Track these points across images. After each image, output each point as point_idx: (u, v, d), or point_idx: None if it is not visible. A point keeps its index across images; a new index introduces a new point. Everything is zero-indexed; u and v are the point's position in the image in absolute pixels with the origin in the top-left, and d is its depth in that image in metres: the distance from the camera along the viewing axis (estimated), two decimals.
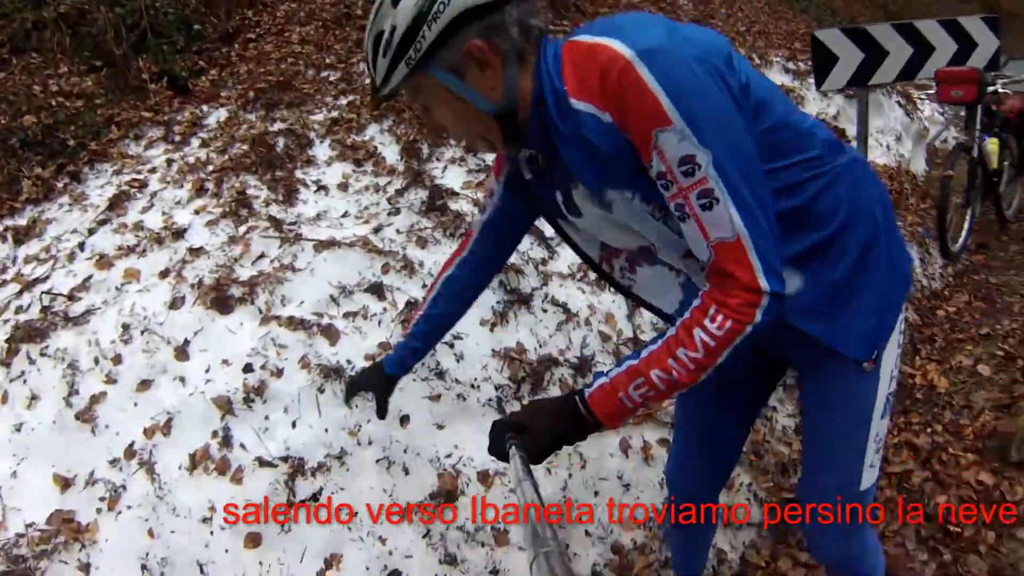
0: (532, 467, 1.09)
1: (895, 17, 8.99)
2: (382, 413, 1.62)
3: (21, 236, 3.17)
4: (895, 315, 1.26)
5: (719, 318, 1.04)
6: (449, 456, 2.29)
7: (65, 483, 2.18)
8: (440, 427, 2.35)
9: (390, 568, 2.06)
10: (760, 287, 1.01)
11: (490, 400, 2.44)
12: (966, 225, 4.55)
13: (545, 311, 2.78)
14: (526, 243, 3.12)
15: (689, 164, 0.99)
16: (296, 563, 2.02)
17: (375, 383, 1.60)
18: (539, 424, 1.17)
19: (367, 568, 2.04)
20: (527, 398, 2.45)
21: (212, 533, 2.05)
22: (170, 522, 2.06)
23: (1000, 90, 4.72)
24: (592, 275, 3.00)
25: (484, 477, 2.26)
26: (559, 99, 1.07)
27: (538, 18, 1.09)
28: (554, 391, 2.50)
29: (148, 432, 2.24)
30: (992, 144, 4.56)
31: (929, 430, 2.68)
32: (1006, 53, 4.81)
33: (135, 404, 2.32)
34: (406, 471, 2.22)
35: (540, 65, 1.08)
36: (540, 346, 2.64)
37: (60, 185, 3.41)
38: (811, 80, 4.96)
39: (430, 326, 1.55)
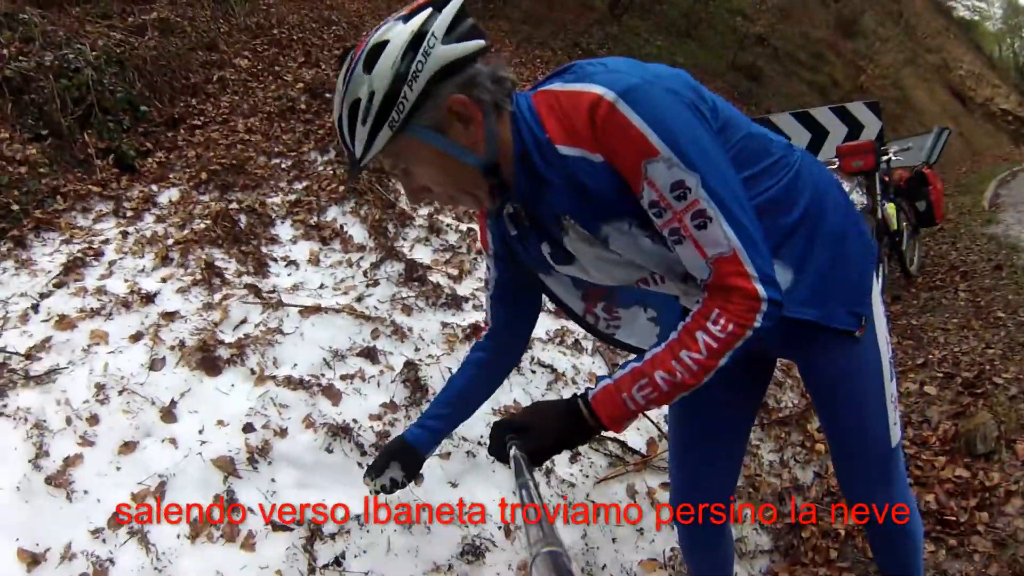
0: (533, 467, 1.08)
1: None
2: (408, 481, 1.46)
3: None
4: (869, 282, 1.32)
5: (721, 321, 1.06)
6: (467, 511, 2.16)
7: (33, 559, 1.86)
8: (454, 485, 2.23)
9: None
10: (760, 295, 1.04)
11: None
12: (879, 281, 4.95)
13: (534, 372, 2.76)
14: None
15: (680, 189, 1.02)
16: None
17: (407, 461, 1.43)
18: (541, 425, 1.15)
19: None
20: None
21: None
22: None
23: (893, 157, 5.30)
24: (569, 339, 3.04)
25: (508, 532, 2.14)
26: (542, 147, 1.08)
27: (505, 71, 1.10)
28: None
29: (137, 497, 1.98)
30: (891, 208, 5.09)
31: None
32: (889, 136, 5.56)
33: (118, 468, 2.06)
34: (428, 529, 2.07)
35: (516, 116, 1.09)
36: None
37: (3, 249, 3.11)
38: None
39: (452, 407, 1.45)
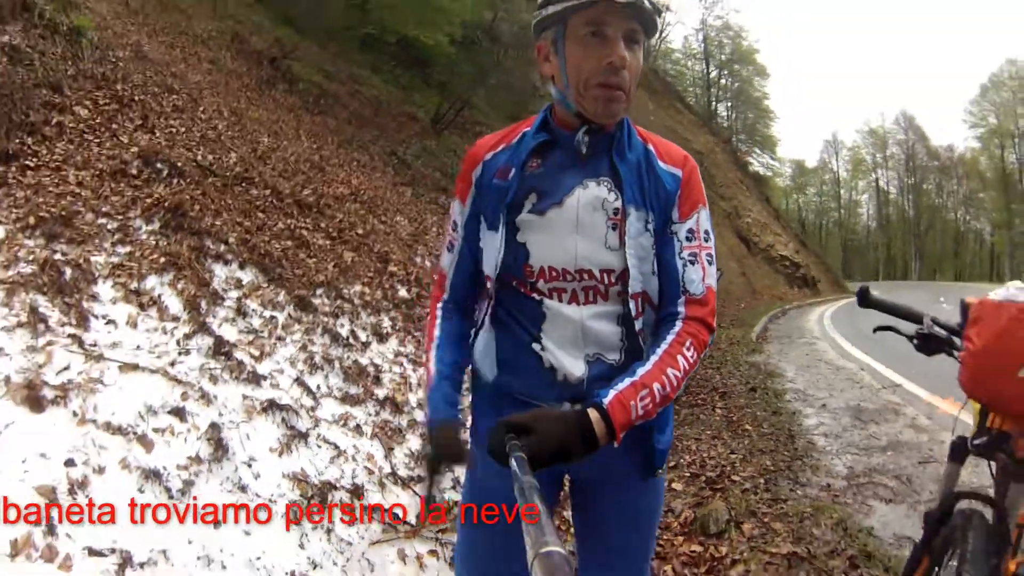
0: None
1: None
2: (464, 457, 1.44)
3: None
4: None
5: (693, 349, 1.33)
6: (259, 559, 2.61)
7: None
8: (248, 534, 2.68)
9: None
10: (714, 326, 1.38)
11: (282, 515, 2.85)
12: None
13: (320, 447, 3.31)
14: (296, 391, 3.67)
15: (707, 233, 1.43)
16: None
17: (456, 441, 1.40)
18: (544, 429, 1.17)
19: None
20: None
21: None
22: None
23: None
24: (352, 423, 3.63)
25: None
26: (631, 136, 1.44)
27: None
28: (336, 512, 2.99)
29: None
30: None
31: None
32: None
33: None
34: (224, 567, 2.51)
35: None
36: (319, 473, 3.15)
37: None
38: None
39: (452, 371, 1.49)
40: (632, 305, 1.37)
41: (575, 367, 1.38)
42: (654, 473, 1.49)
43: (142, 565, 2.32)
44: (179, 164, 5.43)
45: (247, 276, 4.59)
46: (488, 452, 1.17)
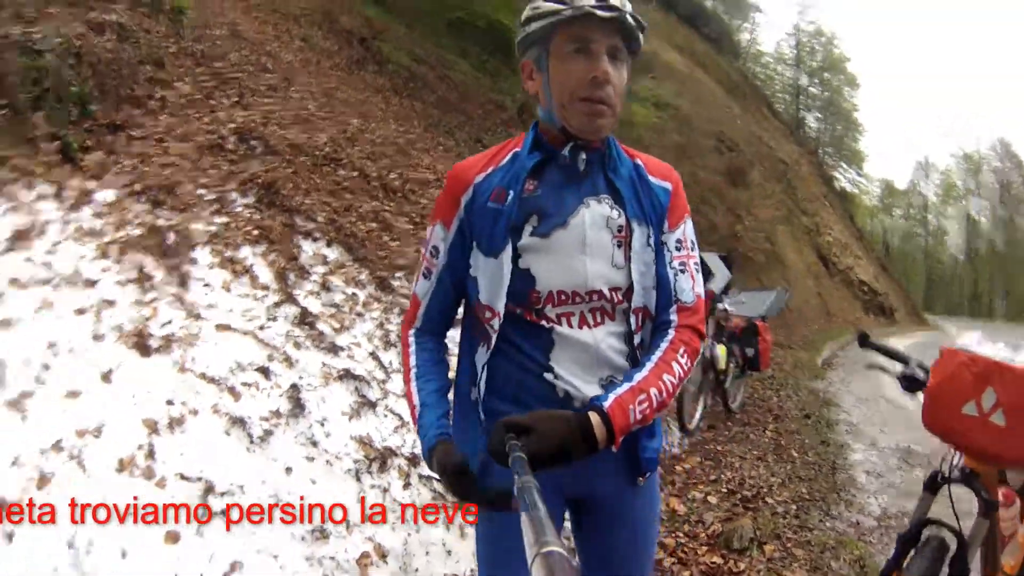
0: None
1: None
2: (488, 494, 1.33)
3: None
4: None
5: (687, 356, 1.42)
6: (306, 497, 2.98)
7: None
8: (314, 482, 3.06)
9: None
10: (704, 333, 1.50)
11: (348, 470, 3.21)
12: (699, 409, 6.15)
13: (386, 416, 3.67)
14: (370, 364, 4.04)
15: (693, 243, 1.53)
16: (207, 566, 2.52)
17: (456, 456, 1.36)
18: (545, 429, 1.21)
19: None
20: (376, 474, 3.26)
21: (135, 526, 2.50)
22: (98, 512, 2.47)
23: (728, 308, 6.59)
24: None
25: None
26: (619, 151, 1.52)
27: None
28: (393, 473, 3.34)
29: (79, 433, 2.68)
30: (721, 350, 6.34)
31: (673, 534, 3.87)
32: (738, 284, 6.92)
33: (64, 410, 2.74)
34: (289, 507, 2.89)
35: None
36: (383, 439, 3.50)
37: None
38: None
39: (436, 398, 1.49)
40: (633, 320, 1.45)
41: (591, 391, 1.39)
42: (637, 480, 1.53)
43: (221, 494, 2.74)
44: (272, 142, 5.95)
45: (333, 254, 5.02)
46: (487, 452, 1.21)
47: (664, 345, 1.41)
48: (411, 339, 1.58)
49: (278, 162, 5.78)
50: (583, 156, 1.46)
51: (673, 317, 1.45)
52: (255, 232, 4.69)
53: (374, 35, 11.01)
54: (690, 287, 1.48)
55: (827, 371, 10.97)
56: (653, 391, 1.33)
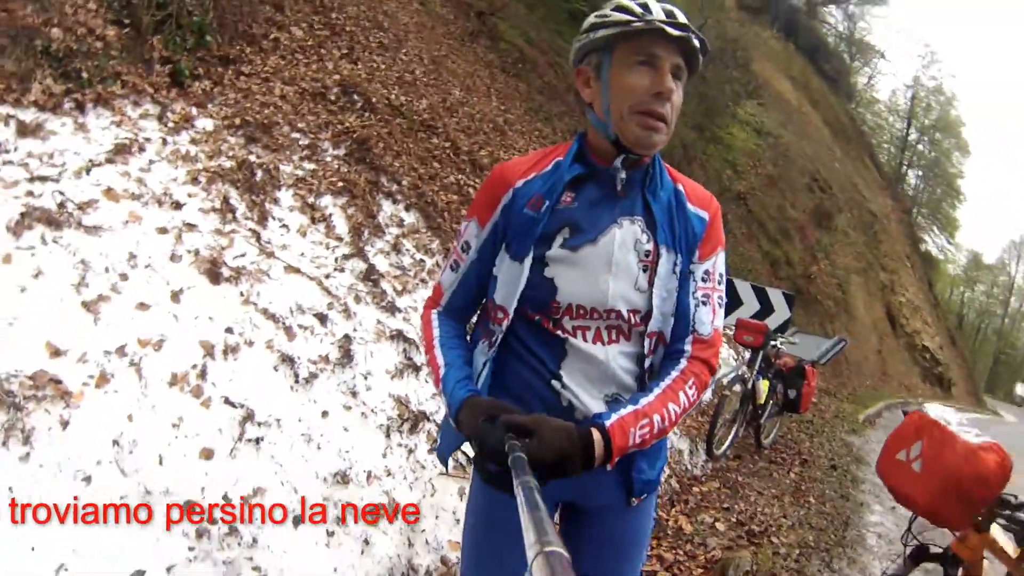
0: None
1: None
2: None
3: (26, 130, 3.73)
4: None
5: (695, 388, 1.47)
6: (348, 452, 3.21)
7: (55, 351, 2.81)
8: (347, 430, 3.29)
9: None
10: (716, 368, 1.53)
11: (380, 425, 3.43)
12: (730, 437, 6.23)
13: (427, 382, 3.88)
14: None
15: (721, 276, 1.57)
16: (232, 486, 2.78)
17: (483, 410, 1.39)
18: (547, 434, 1.27)
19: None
20: (406, 433, 3.47)
21: (176, 438, 2.78)
22: (145, 417, 2.76)
23: (779, 346, 6.65)
24: None
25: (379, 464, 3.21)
26: (663, 174, 1.57)
27: None
28: (421, 436, 3.54)
29: (142, 343, 2.97)
30: (763, 384, 6.40)
31: (674, 550, 4.00)
32: (798, 325, 6.97)
33: (132, 319, 3.05)
34: (319, 448, 3.12)
35: None
36: (419, 403, 3.71)
37: (66, 106, 4.03)
38: None
39: (460, 360, 1.57)
40: (647, 343, 1.50)
41: (594, 406, 1.47)
42: (630, 502, 1.59)
43: (259, 424, 2.99)
44: (373, 100, 6.24)
45: (409, 218, 5.27)
46: (483, 448, 1.27)
47: (674, 374, 1.47)
48: (433, 316, 1.67)
49: (375, 120, 6.07)
50: (623, 175, 1.50)
51: (688, 348, 1.50)
52: (339, 184, 4.98)
53: (492, 10, 11.25)
54: (709, 320, 1.53)
55: (867, 429, 10.79)
56: (656, 417, 1.39)
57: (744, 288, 6.72)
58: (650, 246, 1.49)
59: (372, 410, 3.46)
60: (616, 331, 1.49)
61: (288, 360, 3.32)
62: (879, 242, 27.21)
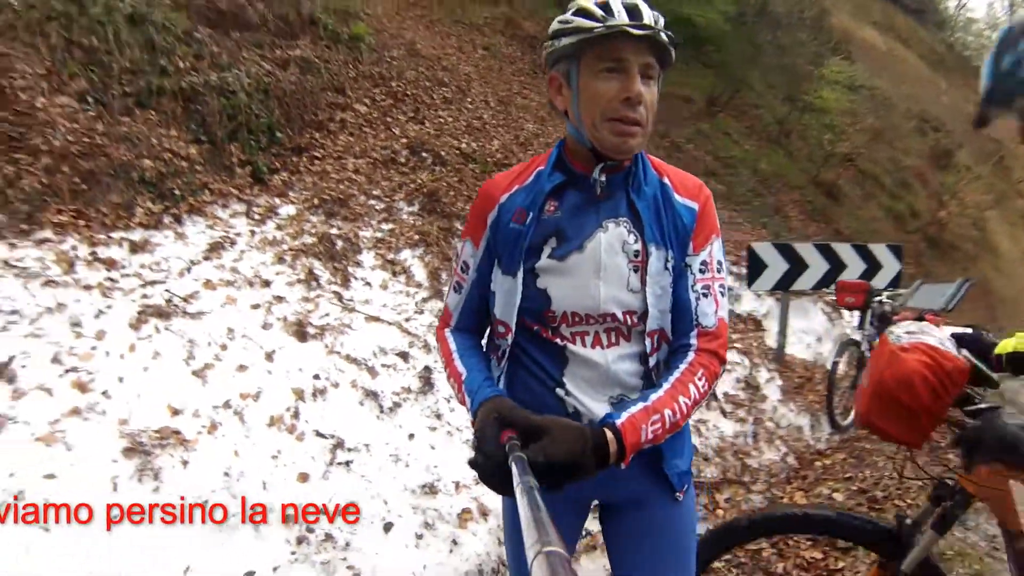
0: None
1: (844, 239, 11.28)
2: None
3: (136, 248, 4.62)
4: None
5: (705, 379, 1.49)
6: (437, 467, 3.73)
7: (175, 411, 3.51)
8: (433, 448, 3.82)
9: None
10: (725, 358, 1.54)
11: (466, 440, 3.93)
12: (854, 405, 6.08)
13: None
14: None
15: (720, 264, 1.57)
16: (326, 501, 3.36)
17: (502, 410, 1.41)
18: (559, 434, 1.30)
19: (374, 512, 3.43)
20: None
21: (276, 466, 3.40)
22: (249, 453, 3.40)
23: (885, 302, 6.24)
24: None
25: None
26: (647, 168, 1.59)
27: None
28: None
29: (243, 396, 3.66)
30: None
31: None
32: (922, 277, 6.79)
33: (233, 378, 3.75)
34: (407, 465, 3.67)
35: None
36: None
37: (166, 221, 4.92)
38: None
39: (482, 365, 1.62)
40: (648, 342, 1.54)
41: (599, 409, 1.51)
42: (674, 496, 1.65)
43: (349, 449, 3.57)
44: (442, 153, 6.94)
45: None
46: (479, 447, 1.31)
47: (682, 367, 1.49)
48: (447, 333, 1.73)
49: (445, 171, 6.76)
50: (603, 179, 1.54)
51: (693, 341, 1.53)
52: (415, 237, 5.64)
53: None
54: (712, 311, 1.55)
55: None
56: (667, 412, 1.42)
57: (845, 251, 6.60)
58: (638, 246, 1.52)
59: (457, 428, 3.99)
60: (615, 333, 1.54)
61: (372, 394, 3.92)
62: (1008, 168, 25.13)
